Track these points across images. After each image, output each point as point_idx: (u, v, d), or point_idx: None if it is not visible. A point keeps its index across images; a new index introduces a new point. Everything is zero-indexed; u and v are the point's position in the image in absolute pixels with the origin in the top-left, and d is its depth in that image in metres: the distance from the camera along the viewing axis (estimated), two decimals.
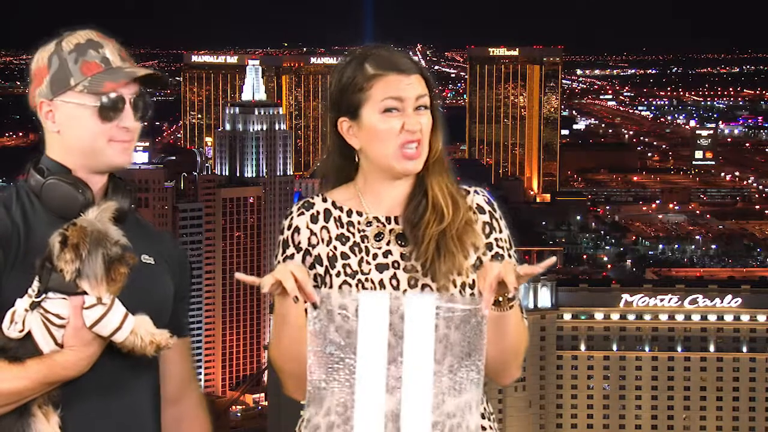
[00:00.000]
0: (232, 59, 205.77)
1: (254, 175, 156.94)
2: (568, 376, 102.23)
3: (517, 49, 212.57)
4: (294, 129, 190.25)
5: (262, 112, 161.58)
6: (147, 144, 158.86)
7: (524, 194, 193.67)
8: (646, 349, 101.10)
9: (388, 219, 2.91)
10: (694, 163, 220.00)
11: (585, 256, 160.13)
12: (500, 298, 2.70)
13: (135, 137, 2.87)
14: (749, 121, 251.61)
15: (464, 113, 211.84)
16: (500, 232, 2.96)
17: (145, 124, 2.88)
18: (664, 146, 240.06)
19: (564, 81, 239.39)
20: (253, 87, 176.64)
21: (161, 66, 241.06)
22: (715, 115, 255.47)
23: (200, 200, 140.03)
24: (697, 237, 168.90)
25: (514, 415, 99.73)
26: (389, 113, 2.82)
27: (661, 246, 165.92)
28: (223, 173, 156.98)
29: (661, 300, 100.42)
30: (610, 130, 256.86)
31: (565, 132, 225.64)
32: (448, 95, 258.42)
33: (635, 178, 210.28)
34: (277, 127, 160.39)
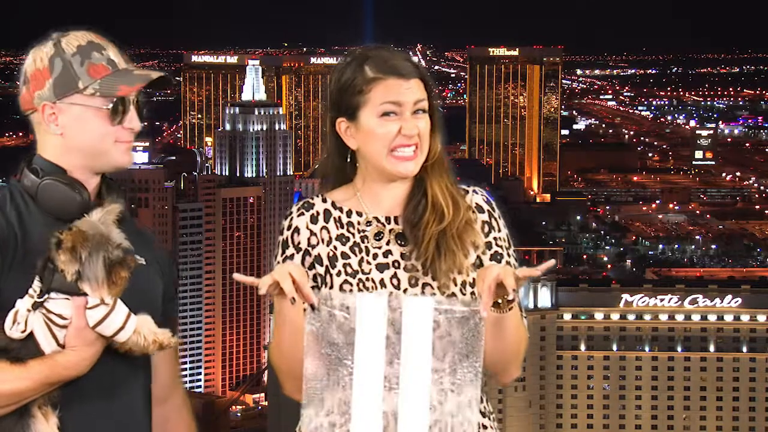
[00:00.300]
0: (232, 59, 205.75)
1: (254, 175, 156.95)
2: (568, 376, 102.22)
3: (517, 49, 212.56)
4: (294, 129, 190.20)
5: (262, 112, 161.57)
6: (147, 144, 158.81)
7: (524, 194, 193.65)
8: (646, 349, 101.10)
9: (387, 219, 2.92)
10: (694, 163, 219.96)
11: (585, 256, 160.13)
12: (499, 300, 2.71)
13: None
14: (749, 121, 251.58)
15: (464, 113, 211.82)
16: (499, 231, 2.97)
17: (145, 123, 2.90)
18: (664, 146, 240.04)
19: (564, 81, 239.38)
20: (253, 87, 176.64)
21: (161, 66, 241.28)
22: (715, 115, 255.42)
23: (200, 200, 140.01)
24: (697, 237, 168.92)
25: (514, 415, 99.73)
26: (387, 117, 2.84)
27: (661, 246, 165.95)
28: (223, 173, 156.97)
29: (661, 300, 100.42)
30: (610, 130, 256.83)
31: (565, 132, 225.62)
32: (448, 95, 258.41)
33: (635, 178, 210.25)
34: (277, 127, 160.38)
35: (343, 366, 2.65)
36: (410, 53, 2.89)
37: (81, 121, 2.78)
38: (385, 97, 2.83)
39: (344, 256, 2.88)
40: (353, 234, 2.90)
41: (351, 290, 2.84)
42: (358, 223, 2.91)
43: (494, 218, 2.97)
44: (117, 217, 2.73)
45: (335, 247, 2.89)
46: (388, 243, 2.90)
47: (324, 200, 2.93)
